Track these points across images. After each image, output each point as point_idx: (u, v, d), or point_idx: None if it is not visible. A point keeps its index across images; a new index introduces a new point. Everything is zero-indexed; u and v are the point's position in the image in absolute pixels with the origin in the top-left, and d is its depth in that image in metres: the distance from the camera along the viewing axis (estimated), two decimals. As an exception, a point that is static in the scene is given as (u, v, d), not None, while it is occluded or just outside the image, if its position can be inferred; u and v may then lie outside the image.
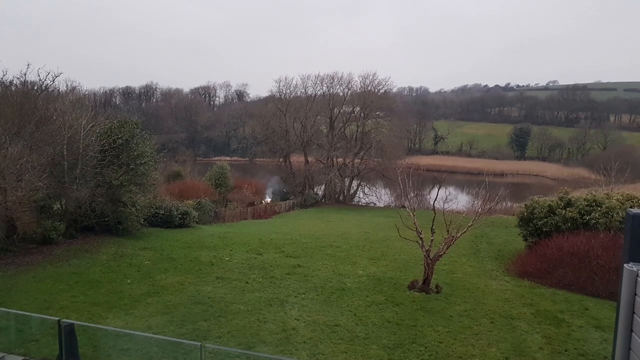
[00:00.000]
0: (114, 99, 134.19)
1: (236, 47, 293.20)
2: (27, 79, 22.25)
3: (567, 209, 19.41)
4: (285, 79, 69.47)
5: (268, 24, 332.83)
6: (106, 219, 21.20)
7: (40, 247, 18.33)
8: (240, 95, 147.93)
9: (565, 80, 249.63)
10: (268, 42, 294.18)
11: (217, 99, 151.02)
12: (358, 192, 63.53)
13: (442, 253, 15.64)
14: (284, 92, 68.25)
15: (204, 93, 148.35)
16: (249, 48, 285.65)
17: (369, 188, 63.85)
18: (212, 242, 22.60)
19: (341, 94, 66.15)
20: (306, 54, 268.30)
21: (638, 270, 3.15)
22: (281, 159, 68.18)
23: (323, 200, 58.99)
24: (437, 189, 20.22)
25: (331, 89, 66.41)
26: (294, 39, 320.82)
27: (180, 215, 26.75)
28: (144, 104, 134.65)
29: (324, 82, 66.49)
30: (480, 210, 16.91)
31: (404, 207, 18.91)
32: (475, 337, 11.65)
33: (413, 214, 16.06)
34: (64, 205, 20.62)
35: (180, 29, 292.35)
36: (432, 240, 15.69)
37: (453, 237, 15.53)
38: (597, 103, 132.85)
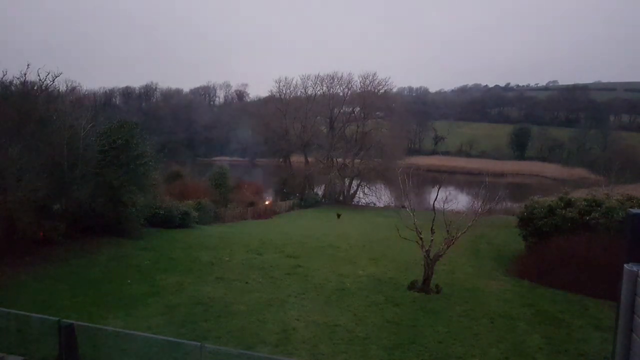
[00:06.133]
0: (114, 99, 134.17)
1: (236, 47, 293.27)
2: (27, 79, 22.19)
3: (567, 209, 19.41)
4: (285, 79, 69.44)
5: (268, 24, 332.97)
6: (106, 219, 21.18)
7: (40, 247, 18.29)
8: (240, 95, 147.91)
9: (565, 80, 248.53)
10: (268, 43, 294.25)
11: (217, 99, 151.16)
12: (358, 193, 63.54)
13: (442, 253, 15.63)
14: (284, 92, 68.32)
15: (204, 93, 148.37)
16: (249, 48, 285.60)
17: (369, 188, 63.85)
18: (212, 242, 22.59)
19: (341, 94, 66.25)
20: (306, 53, 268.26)
21: (638, 270, 3.14)
22: (281, 159, 68.20)
23: (323, 201, 58.98)
24: (437, 189, 20.22)
25: (331, 89, 66.54)
26: (294, 39, 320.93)
27: (180, 216, 26.76)
28: (143, 104, 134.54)
29: (323, 82, 66.59)
30: (480, 210, 16.91)
31: (403, 207, 18.91)
32: (475, 337, 11.64)
33: (413, 214, 16.05)
34: (64, 206, 20.60)
35: (180, 28, 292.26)
36: (432, 240, 15.68)
37: (453, 237, 15.53)
38: (597, 103, 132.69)
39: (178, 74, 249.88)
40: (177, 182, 40.21)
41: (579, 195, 21.55)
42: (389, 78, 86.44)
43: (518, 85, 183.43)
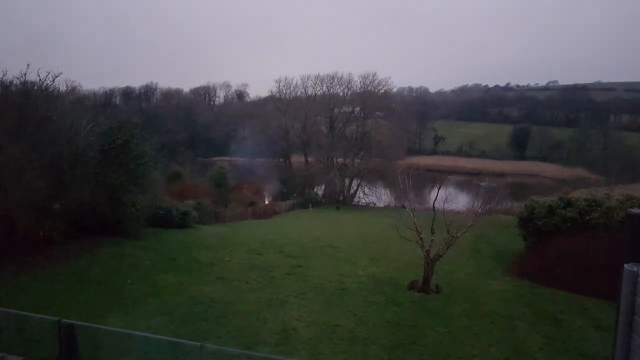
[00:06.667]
0: (114, 99, 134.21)
1: (237, 47, 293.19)
2: (27, 79, 22.15)
3: (567, 209, 19.39)
4: (285, 79, 69.42)
5: (268, 24, 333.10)
6: (106, 219, 21.18)
7: (40, 247, 18.29)
8: (240, 95, 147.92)
9: (565, 80, 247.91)
10: (268, 43, 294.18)
11: (217, 99, 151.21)
12: (358, 193, 63.54)
13: (442, 253, 15.63)
14: (284, 92, 68.36)
15: (204, 93, 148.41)
16: (249, 48, 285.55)
17: (369, 188, 63.87)
18: (212, 242, 22.60)
19: (341, 94, 66.32)
20: (306, 53, 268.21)
21: (638, 270, 3.14)
22: (281, 159, 68.24)
23: (323, 201, 59.00)
24: (437, 189, 20.22)
25: (331, 89, 66.62)
26: (294, 39, 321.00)
27: (180, 216, 26.75)
28: (144, 104, 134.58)
29: (323, 82, 66.65)
30: (480, 210, 16.91)
31: (403, 207, 18.91)
32: (475, 337, 11.65)
33: (413, 214, 16.05)
34: (64, 205, 20.59)
35: (180, 28, 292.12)
36: (432, 240, 15.68)
37: (453, 237, 15.52)
38: (597, 103, 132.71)
39: (178, 74, 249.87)
40: (177, 182, 40.25)
41: (579, 195, 21.52)
42: (389, 78, 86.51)
43: (518, 85, 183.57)
